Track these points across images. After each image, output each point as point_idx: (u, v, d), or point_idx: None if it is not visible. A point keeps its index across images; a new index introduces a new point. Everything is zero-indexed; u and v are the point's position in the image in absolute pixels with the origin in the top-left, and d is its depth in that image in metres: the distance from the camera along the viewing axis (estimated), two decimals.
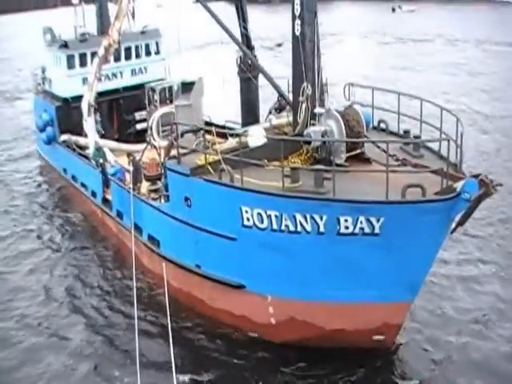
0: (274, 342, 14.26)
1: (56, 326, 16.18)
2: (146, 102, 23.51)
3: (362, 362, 13.60)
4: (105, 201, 20.93)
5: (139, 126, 25.83)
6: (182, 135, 15.56)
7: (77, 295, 17.71)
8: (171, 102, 22.26)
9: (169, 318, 13.08)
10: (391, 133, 15.87)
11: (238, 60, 20.42)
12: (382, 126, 16.14)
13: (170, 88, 23.23)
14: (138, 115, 25.94)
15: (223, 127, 20.43)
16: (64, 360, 14.72)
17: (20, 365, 14.65)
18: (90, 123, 21.84)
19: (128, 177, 19.08)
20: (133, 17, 22.18)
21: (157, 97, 22.93)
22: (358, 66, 48.03)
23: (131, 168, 18.44)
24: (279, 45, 62.39)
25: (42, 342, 15.49)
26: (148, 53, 26.70)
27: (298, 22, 14.50)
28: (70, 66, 25.10)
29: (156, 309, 16.16)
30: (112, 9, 24.47)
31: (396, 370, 13.72)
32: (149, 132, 20.37)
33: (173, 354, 11.56)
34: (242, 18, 20.50)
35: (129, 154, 19.50)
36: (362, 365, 13.54)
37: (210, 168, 13.72)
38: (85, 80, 23.71)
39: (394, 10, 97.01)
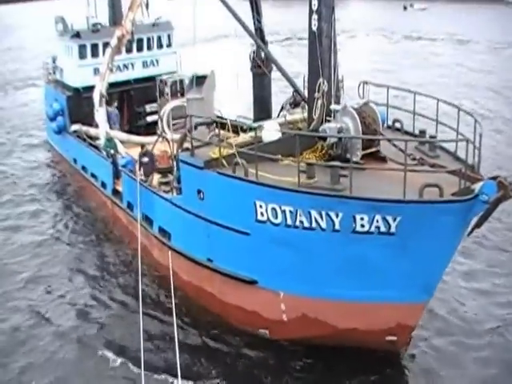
0: (282, 342, 14.15)
1: (58, 317, 16.06)
2: (157, 94, 23.43)
3: (371, 369, 13.38)
4: (115, 192, 20.86)
5: (150, 119, 25.76)
6: (196, 128, 15.47)
7: (82, 287, 17.57)
8: (182, 95, 22.14)
9: (174, 315, 12.97)
10: (406, 132, 15.66)
11: (252, 54, 20.28)
12: (397, 125, 15.93)
13: (182, 81, 23.10)
14: (148, 107, 25.87)
15: (234, 122, 20.34)
16: (64, 352, 14.58)
17: (20, 353, 14.59)
18: (101, 113, 21.79)
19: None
20: (147, 8, 22.13)
21: (168, 89, 22.84)
22: (368, 64, 47.77)
23: (145, 159, 18.27)
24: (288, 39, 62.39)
25: (43, 333, 15.35)
26: (160, 45, 26.59)
27: (314, 16, 14.32)
28: (82, 56, 25.04)
29: (163, 304, 16.01)
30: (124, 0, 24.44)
31: (404, 380, 13.56)
32: (159, 124, 20.27)
33: (178, 351, 11.54)
34: (256, 11, 20.34)
35: (142, 146, 19.42)
36: (371, 371, 13.32)
37: (224, 161, 13.61)
38: (96, 70, 23.69)
39: (405, 8, 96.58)
